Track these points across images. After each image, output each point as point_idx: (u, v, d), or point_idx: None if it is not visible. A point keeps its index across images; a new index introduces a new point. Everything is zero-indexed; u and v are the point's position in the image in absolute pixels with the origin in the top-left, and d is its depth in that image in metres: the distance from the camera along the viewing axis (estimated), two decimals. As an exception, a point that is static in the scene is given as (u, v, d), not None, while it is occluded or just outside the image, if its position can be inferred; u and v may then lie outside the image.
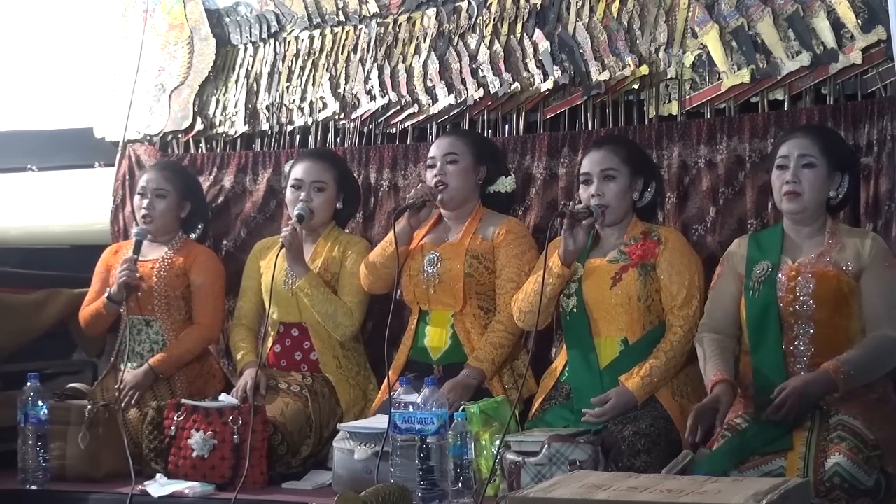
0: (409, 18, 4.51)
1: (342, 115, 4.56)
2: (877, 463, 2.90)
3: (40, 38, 5.30)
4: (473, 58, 4.32)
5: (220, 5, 4.91)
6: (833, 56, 3.73)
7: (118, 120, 4.85)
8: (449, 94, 4.33)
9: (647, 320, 3.47)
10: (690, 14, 3.98)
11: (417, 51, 4.45)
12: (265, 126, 4.71)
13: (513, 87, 4.21)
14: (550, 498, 2.42)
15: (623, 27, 4.08)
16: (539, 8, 4.25)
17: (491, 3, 4.33)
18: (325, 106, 4.59)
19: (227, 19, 4.88)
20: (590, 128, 4.10)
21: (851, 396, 3.07)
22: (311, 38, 4.70)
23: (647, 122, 4.03)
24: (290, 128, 4.67)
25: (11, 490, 3.66)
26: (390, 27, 4.54)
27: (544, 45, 4.19)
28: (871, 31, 3.66)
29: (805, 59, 3.76)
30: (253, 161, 4.65)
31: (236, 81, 4.80)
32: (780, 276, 3.23)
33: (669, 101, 4.01)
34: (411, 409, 3.17)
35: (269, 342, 4.03)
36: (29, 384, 3.71)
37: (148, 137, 4.87)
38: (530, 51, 4.22)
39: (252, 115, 4.73)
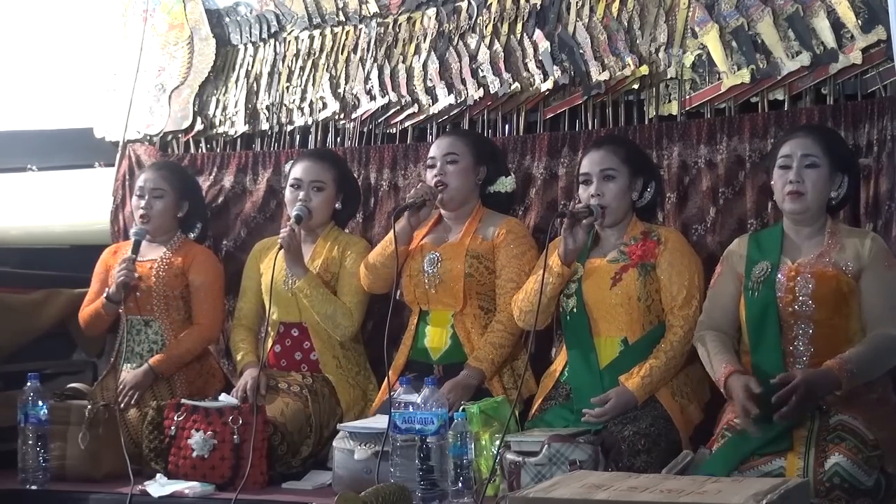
0: (409, 18, 4.51)
1: (342, 115, 4.56)
2: (877, 463, 2.90)
3: (40, 38, 5.30)
4: (473, 58, 4.32)
5: (220, 5, 4.91)
6: (833, 56, 3.73)
7: (118, 120, 4.85)
8: (449, 94, 4.33)
9: (647, 320, 3.47)
10: (690, 14, 3.98)
11: (417, 51, 4.45)
12: (265, 126, 4.71)
13: (513, 87, 4.21)
14: (550, 498, 2.42)
15: (623, 27, 4.08)
16: (539, 8, 4.25)
17: (491, 3, 4.33)
18: (325, 106, 4.59)
19: (227, 19, 4.88)
20: (590, 128, 4.10)
21: (851, 396, 3.07)
22: (311, 38, 4.70)
23: (647, 122, 4.03)
24: (290, 128, 4.67)
25: (11, 490, 3.66)
26: (390, 27, 4.54)
27: (544, 45, 4.19)
28: (871, 31, 3.66)
29: (805, 59, 3.76)
30: (253, 161, 4.65)
31: (236, 81, 4.80)
32: (779, 276, 3.23)
33: (669, 101, 4.01)
34: (411, 409, 3.17)
35: (269, 342, 4.03)
36: (29, 384, 3.71)
37: (148, 137, 4.87)
38: (530, 51, 4.22)
39: (252, 115, 4.74)
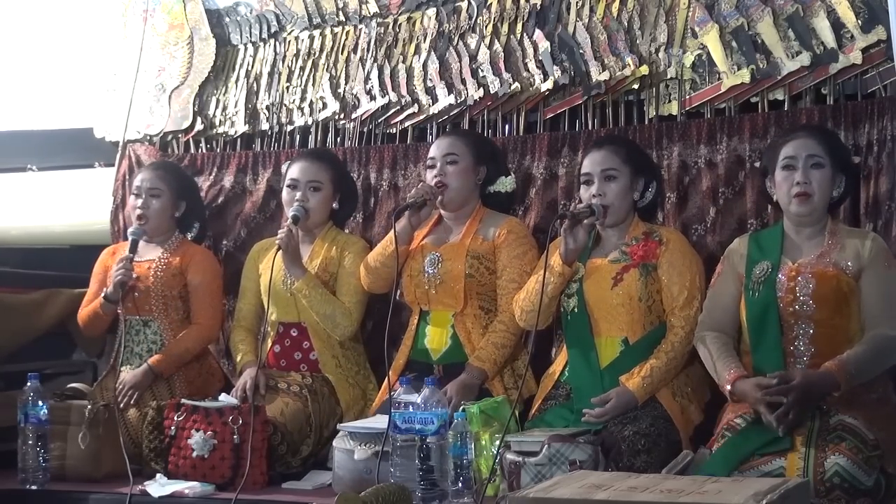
0: (409, 18, 4.51)
1: (342, 115, 4.56)
2: (877, 463, 2.90)
3: (40, 38, 5.30)
4: (473, 58, 4.32)
5: (220, 5, 4.91)
6: (833, 56, 3.73)
7: (118, 120, 4.85)
8: (449, 94, 4.33)
9: (648, 321, 3.47)
10: (690, 14, 3.98)
11: (417, 51, 4.45)
12: (265, 126, 4.71)
13: (513, 87, 4.21)
14: (550, 498, 2.42)
15: (623, 27, 4.08)
16: (539, 8, 4.25)
17: (491, 3, 4.33)
18: (325, 106, 4.59)
19: (227, 19, 4.88)
20: (590, 128, 4.10)
21: (851, 396, 3.07)
22: (311, 38, 4.70)
23: (647, 122, 4.03)
24: (290, 128, 4.67)
25: (11, 490, 3.66)
26: (390, 27, 4.54)
27: (544, 45, 4.19)
28: (871, 31, 3.66)
29: (805, 59, 3.76)
30: (253, 161, 4.65)
31: (236, 81, 4.80)
32: (779, 276, 3.23)
33: (669, 101, 4.01)
34: (411, 409, 3.17)
35: (269, 342, 4.03)
36: (29, 384, 3.71)
37: (148, 137, 4.87)
38: (530, 51, 4.22)
39: (252, 115, 4.74)
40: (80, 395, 3.91)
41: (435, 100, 4.37)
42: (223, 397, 3.77)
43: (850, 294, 3.17)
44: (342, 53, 4.62)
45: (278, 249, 3.85)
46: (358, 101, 4.52)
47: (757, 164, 3.60)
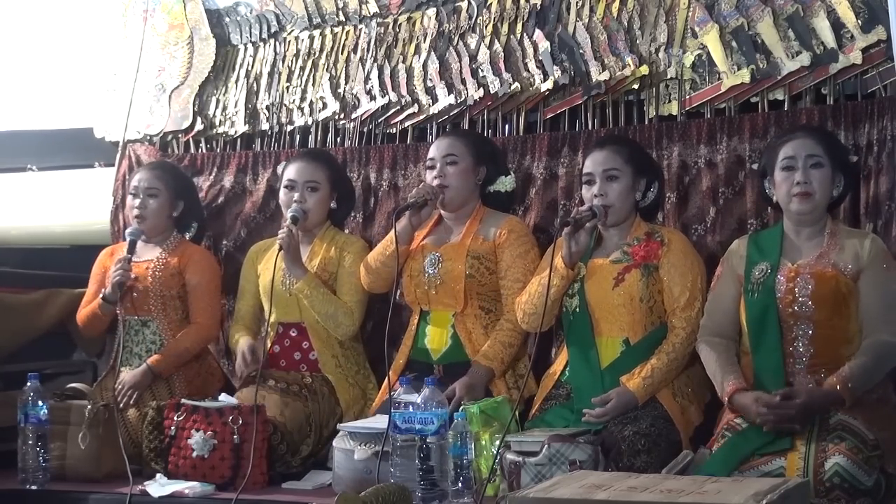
0: (409, 18, 4.51)
1: (342, 115, 4.56)
2: (877, 463, 2.90)
3: (40, 38, 5.30)
4: (473, 58, 4.32)
5: (220, 5, 4.91)
6: (833, 56, 3.73)
7: (118, 120, 4.85)
8: (449, 94, 4.33)
9: (649, 321, 3.47)
10: (690, 14, 3.98)
11: (417, 51, 4.45)
12: (265, 126, 4.71)
13: (513, 87, 4.21)
14: (550, 498, 2.42)
15: (623, 27, 4.08)
16: (539, 8, 4.25)
17: (491, 3, 4.33)
18: (325, 106, 4.59)
19: (227, 19, 4.88)
20: (590, 128, 4.10)
21: (851, 397, 3.07)
22: (311, 38, 4.70)
23: (647, 122, 4.03)
24: (290, 128, 4.67)
25: (11, 490, 3.66)
26: (390, 27, 4.54)
27: (544, 45, 4.19)
28: (871, 31, 3.66)
29: (805, 59, 3.76)
30: (253, 161, 4.65)
31: (236, 81, 4.80)
32: (779, 277, 3.23)
33: (669, 101, 4.01)
34: (411, 409, 3.17)
35: (269, 342, 4.03)
36: (29, 384, 3.71)
37: (148, 137, 4.87)
38: (530, 51, 4.22)
39: (252, 115, 4.73)
40: (80, 395, 3.90)
41: (435, 100, 4.37)
42: (223, 397, 3.77)
43: (849, 295, 3.17)
44: (342, 53, 4.62)
45: (279, 250, 3.85)
46: (358, 101, 4.52)
47: (755, 166, 3.60)
